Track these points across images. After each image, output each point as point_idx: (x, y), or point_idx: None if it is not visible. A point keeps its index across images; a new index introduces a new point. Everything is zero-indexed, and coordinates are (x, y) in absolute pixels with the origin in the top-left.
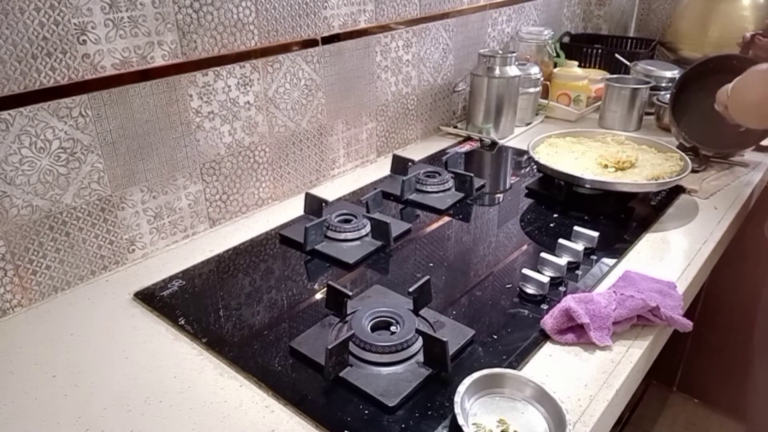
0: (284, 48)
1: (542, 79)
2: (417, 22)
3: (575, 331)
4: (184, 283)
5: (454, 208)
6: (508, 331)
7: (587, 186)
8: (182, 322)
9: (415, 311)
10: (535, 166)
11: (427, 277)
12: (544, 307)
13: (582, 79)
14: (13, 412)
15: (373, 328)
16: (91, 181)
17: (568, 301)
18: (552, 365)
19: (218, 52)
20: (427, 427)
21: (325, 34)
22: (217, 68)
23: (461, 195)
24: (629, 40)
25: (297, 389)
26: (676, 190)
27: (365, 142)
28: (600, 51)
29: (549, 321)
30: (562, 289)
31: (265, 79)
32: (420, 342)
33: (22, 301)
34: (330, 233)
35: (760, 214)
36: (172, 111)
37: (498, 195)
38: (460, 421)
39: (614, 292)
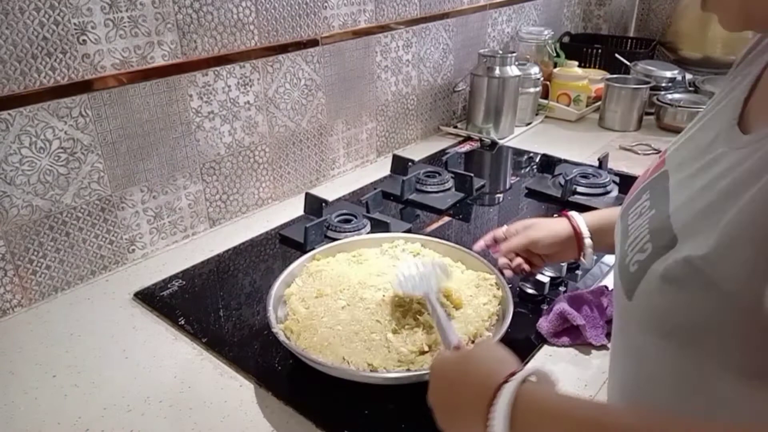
0: (284, 48)
1: (542, 79)
2: (417, 22)
3: (570, 333)
4: (184, 283)
5: (454, 208)
6: (508, 331)
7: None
8: (182, 322)
9: None
10: (535, 166)
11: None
12: (544, 307)
13: (582, 79)
14: (13, 412)
15: None
16: (91, 181)
17: (562, 303)
18: (552, 365)
19: (218, 52)
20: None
21: (325, 34)
22: (217, 68)
23: (461, 195)
24: (629, 40)
25: (297, 389)
26: None
27: (365, 142)
28: (600, 51)
29: (544, 324)
30: (562, 289)
31: (265, 79)
32: None
33: (22, 301)
34: (330, 233)
35: None
36: (172, 111)
37: (498, 195)
38: None
39: (606, 287)
